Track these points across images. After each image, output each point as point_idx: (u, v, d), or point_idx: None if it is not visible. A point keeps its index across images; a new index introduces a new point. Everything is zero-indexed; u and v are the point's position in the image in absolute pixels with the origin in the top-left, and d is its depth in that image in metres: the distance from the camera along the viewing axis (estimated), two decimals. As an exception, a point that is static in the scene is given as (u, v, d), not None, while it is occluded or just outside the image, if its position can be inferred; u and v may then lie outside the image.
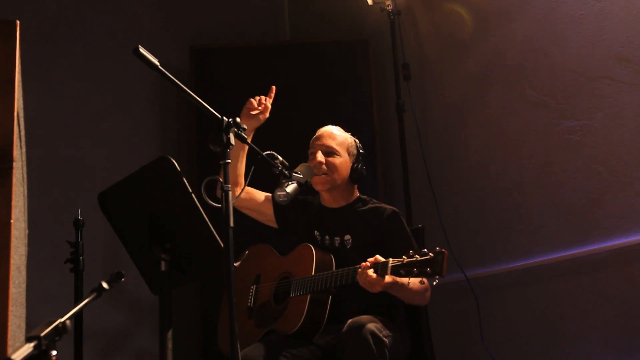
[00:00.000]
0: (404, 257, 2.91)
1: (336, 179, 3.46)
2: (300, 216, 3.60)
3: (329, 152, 3.47)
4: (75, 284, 3.67)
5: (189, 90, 2.48)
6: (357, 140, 3.59)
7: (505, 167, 4.51)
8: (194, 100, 2.48)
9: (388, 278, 2.95)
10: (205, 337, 4.66)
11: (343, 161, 3.48)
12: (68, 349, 3.61)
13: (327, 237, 3.47)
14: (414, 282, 2.97)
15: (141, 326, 4.89)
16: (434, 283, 2.89)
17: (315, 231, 3.51)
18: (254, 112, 3.45)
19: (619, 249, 3.88)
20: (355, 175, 3.51)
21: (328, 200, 3.56)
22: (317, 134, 3.58)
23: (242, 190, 3.09)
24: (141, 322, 4.88)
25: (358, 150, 3.55)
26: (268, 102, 3.49)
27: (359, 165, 3.51)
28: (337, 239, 3.44)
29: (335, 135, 3.53)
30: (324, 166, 3.44)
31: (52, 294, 4.35)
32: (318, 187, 3.49)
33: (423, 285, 2.97)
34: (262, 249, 3.67)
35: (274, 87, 3.53)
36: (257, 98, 3.48)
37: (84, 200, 4.15)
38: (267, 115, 3.49)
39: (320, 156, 3.45)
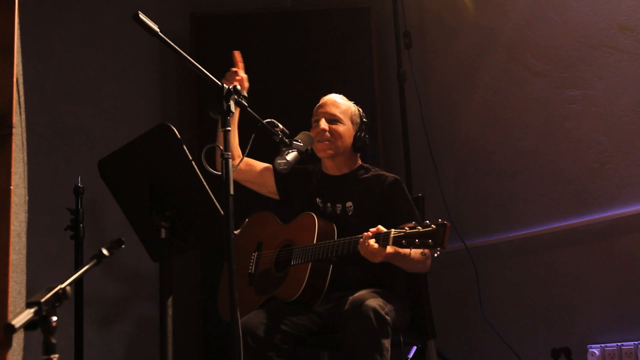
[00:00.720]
0: (406, 227, 2.90)
1: (339, 146, 3.45)
2: (302, 184, 3.60)
3: (333, 119, 3.46)
4: (76, 250, 3.68)
5: (189, 57, 2.46)
6: (360, 109, 3.57)
7: (506, 136, 4.49)
8: (194, 68, 2.47)
9: (389, 248, 2.94)
10: (206, 303, 4.68)
11: (346, 129, 3.47)
12: (68, 315, 3.63)
13: (328, 204, 3.47)
14: (415, 252, 2.97)
15: (141, 293, 4.90)
16: (435, 255, 2.88)
17: (317, 198, 3.51)
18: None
19: (619, 218, 3.88)
20: (358, 144, 3.50)
21: (330, 167, 3.56)
22: (320, 102, 3.57)
23: (241, 160, 3.07)
24: (141, 289, 4.90)
25: (361, 119, 3.54)
26: (240, 72, 3.42)
27: (362, 134, 3.50)
28: (339, 206, 3.45)
29: (339, 103, 3.52)
30: (327, 133, 3.43)
31: (52, 261, 4.36)
32: (321, 154, 3.49)
33: (424, 256, 2.95)
34: (264, 217, 3.66)
35: (236, 53, 3.45)
36: (232, 70, 3.40)
37: (84, 167, 4.15)
38: (247, 84, 3.44)
39: (323, 123, 3.44)
